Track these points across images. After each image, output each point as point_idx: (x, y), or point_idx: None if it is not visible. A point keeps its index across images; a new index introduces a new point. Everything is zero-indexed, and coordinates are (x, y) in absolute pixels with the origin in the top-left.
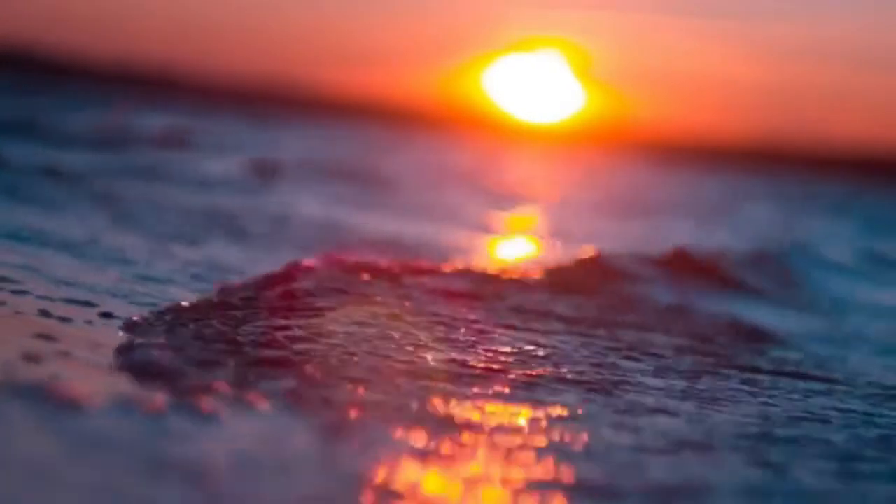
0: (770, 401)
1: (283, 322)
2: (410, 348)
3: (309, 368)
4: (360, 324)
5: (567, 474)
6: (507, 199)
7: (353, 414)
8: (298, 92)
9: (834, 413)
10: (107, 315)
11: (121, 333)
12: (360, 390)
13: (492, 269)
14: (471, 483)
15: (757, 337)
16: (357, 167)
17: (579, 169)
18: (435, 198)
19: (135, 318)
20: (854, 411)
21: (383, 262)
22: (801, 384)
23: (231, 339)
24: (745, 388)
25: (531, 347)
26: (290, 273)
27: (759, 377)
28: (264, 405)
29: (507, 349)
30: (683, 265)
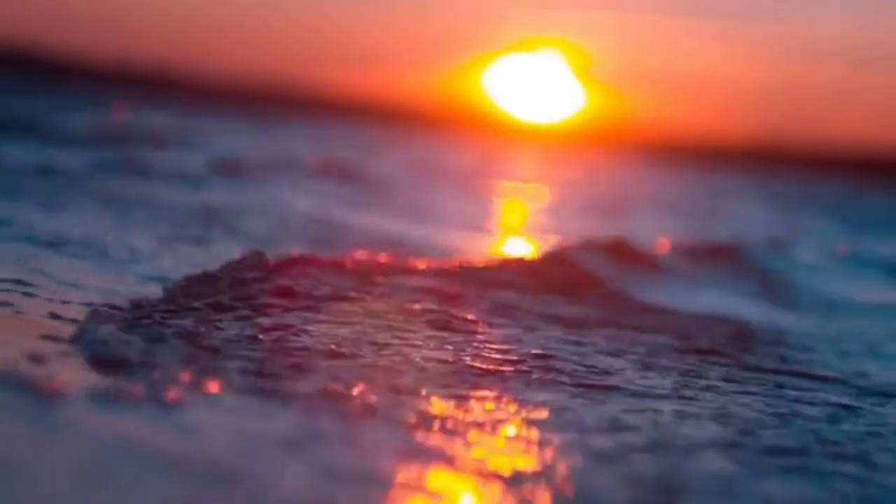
0: (753, 396)
1: (246, 315)
2: (380, 345)
3: (267, 359)
4: (327, 321)
5: (553, 473)
6: (492, 198)
7: (316, 406)
8: (298, 92)
9: (814, 409)
10: None
11: (77, 323)
12: (324, 383)
13: (461, 264)
14: (453, 481)
15: (734, 332)
16: (340, 165)
17: (577, 169)
18: (421, 196)
19: (95, 308)
20: (836, 405)
21: (356, 258)
22: (783, 379)
23: (189, 331)
24: (728, 383)
25: (511, 344)
26: (258, 267)
27: (743, 373)
28: (222, 395)
29: (482, 347)
30: (622, 254)
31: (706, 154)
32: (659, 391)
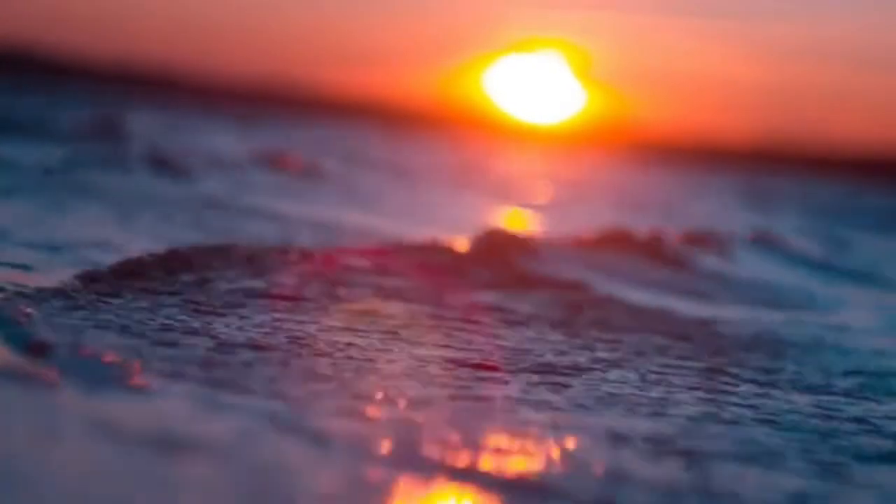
0: (711, 391)
1: (169, 304)
2: (301, 335)
3: (190, 347)
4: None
5: (532, 472)
6: (461, 195)
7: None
8: (298, 92)
9: (781, 406)
10: None
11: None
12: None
13: (412, 255)
14: (430, 478)
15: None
16: (289, 159)
17: (575, 169)
18: (361, 187)
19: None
20: (811, 402)
21: (294, 252)
22: (746, 373)
23: (109, 319)
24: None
25: (472, 339)
26: (182, 257)
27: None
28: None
29: (447, 344)
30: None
31: (706, 154)
32: (626, 388)
